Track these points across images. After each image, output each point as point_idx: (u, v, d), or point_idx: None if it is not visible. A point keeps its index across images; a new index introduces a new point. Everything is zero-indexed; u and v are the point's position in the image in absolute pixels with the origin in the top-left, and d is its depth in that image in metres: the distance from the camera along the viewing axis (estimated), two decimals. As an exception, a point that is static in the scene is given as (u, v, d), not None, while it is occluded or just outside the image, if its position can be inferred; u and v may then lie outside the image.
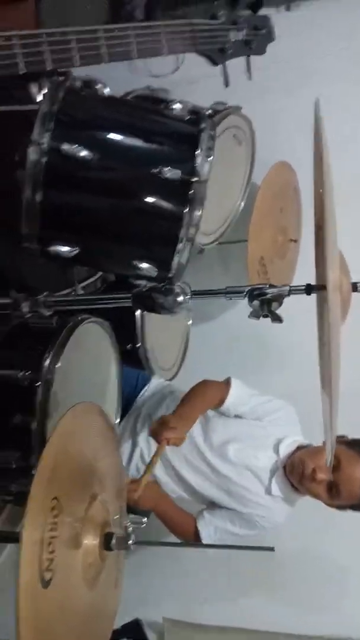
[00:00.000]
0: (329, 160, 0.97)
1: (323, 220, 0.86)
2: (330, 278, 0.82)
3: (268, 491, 1.51)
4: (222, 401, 1.53)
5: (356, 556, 1.93)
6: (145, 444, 1.57)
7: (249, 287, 0.95)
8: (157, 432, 1.38)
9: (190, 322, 2.03)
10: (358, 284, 1.04)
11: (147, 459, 1.56)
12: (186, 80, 1.95)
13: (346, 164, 1.93)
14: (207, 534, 1.53)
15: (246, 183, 1.85)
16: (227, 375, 1.61)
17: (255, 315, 0.95)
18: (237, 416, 1.56)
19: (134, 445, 1.58)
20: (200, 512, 1.57)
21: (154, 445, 1.55)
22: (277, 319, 0.93)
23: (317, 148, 0.93)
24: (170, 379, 1.92)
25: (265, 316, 0.94)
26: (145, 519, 1.05)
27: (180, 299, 0.93)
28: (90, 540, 0.98)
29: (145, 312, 1.74)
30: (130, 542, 1.00)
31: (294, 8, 1.95)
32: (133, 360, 1.74)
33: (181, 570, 1.99)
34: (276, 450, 1.53)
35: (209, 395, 1.54)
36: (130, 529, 1.02)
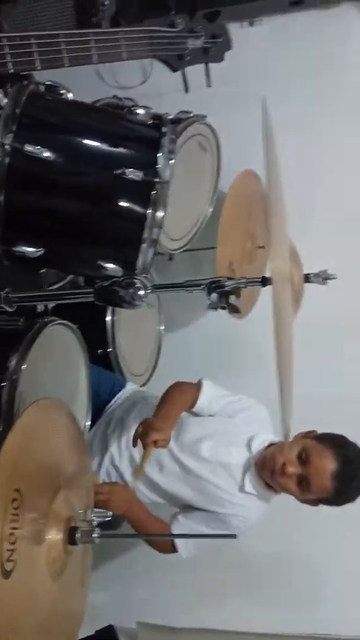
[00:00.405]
0: (276, 158, 1.02)
1: (269, 216, 0.90)
2: (274, 266, 0.86)
3: (241, 488, 1.51)
4: (194, 403, 1.55)
5: (332, 553, 1.95)
6: (116, 449, 1.57)
7: (208, 280, 0.98)
8: (144, 435, 1.37)
9: (163, 327, 2.05)
10: (311, 275, 1.08)
11: (118, 463, 1.56)
12: (154, 92, 2.01)
13: (307, 169, 2.03)
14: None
15: (213, 190, 1.90)
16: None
17: (213, 307, 0.98)
18: (209, 415, 1.58)
19: (105, 449, 1.58)
20: (174, 516, 1.57)
21: (125, 449, 1.56)
22: (234, 310, 0.96)
23: (266, 145, 0.97)
24: (142, 385, 1.93)
25: (224, 308, 0.97)
26: (110, 512, 1.05)
27: (142, 292, 0.96)
28: (54, 535, 0.98)
29: (116, 318, 1.77)
30: (95, 535, 1.01)
31: (257, 23, 2.03)
32: (105, 365, 1.76)
33: (154, 575, 1.98)
34: (249, 447, 1.54)
35: (184, 396, 1.56)
36: (95, 522, 1.02)
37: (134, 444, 1.39)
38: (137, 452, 1.52)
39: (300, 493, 1.45)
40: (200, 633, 1.92)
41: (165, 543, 1.54)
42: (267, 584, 2.01)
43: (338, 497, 1.44)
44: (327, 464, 1.41)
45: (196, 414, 1.58)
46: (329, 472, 1.40)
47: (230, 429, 1.57)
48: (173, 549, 1.53)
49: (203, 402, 1.55)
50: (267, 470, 1.47)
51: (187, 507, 1.57)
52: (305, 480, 1.42)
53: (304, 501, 1.50)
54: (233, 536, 0.97)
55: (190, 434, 1.54)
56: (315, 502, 1.49)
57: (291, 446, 1.46)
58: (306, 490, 1.43)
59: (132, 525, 1.52)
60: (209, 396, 1.56)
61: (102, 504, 1.39)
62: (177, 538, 1.43)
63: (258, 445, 1.54)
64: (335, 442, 1.45)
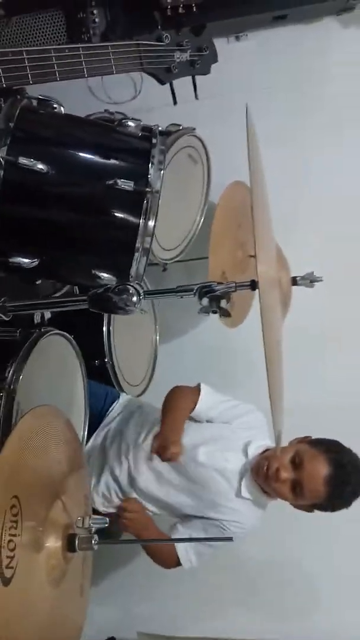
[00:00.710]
0: (260, 165, 1.04)
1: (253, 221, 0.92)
2: (259, 271, 0.88)
3: (238, 494, 1.51)
4: (193, 408, 1.56)
5: (325, 561, 1.96)
6: (116, 461, 1.58)
7: (199, 285, 1.00)
8: (163, 451, 1.40)
9: (157, 336, 2.07)
10: (298, 278, 1.10)
11: (117, 475, 1.57)
12: (144, 107, 2.05)
13: (293, 181, 2.07)
14: (183, 548, 1.52)
15: (204, 201, 1.93)
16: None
17: (205, 311, 1.00)
18: (207, 420, 1.58)
19: (104, 461, 1.58)
20: (174, 525, 1.57)
21: (124, 461, 1.56)
22: (225, 314, 0.98)
23: (251, 156, 1.00)
24: (139, 395, 1.94)
25: (215, 312, 0.99)
26: (108, 519, 1.05)
27: (135, 298, 0.97)
28: (53, 542, 0.99)
29: (112, 328, 1.78)
30: (93, 542, 1.01)
31: (243, 38, 2.08)
32: (101, 376, 1.76)
33: (153, 586, 1.97)
34: (245, 452, 1.55)
35: (185, 401, 1.56)
36: (94, 529, 1.03)
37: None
38: (133, 464, 1.54)
39: (294, 498, 1.46)
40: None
41: (169, 557, 1.53)
42: (265, 593, 2.01)
43: (331, 502, 1.44)
44: (320, 469, 1.41)
45: (193, 419, 1.58)
46: (321, 477, 1.41)
47: (226, 434, 1.58)
48: (177, 562, 1.53)
49: (201, 407, 1.56)
50: (261, 475, 1.48)
51: (185, 517, 1.57)
52: (299, 485, 1.43)
53: (298, 507, 1.50)
54: (230, 539, 0.98)
55: (187, 439, 1.54)
56: (309, 508, 1.49)
57: (285, 451, 1.47)
58: (300, 495, 1.44)
59: (145, 547, 1.53)
60: (207, 402, 1.57)
61: (124, 524, 1.44)
62: (175, 542, 1.43)
63: (254, 450, 1.55)
64: (329, 448, 1.46)
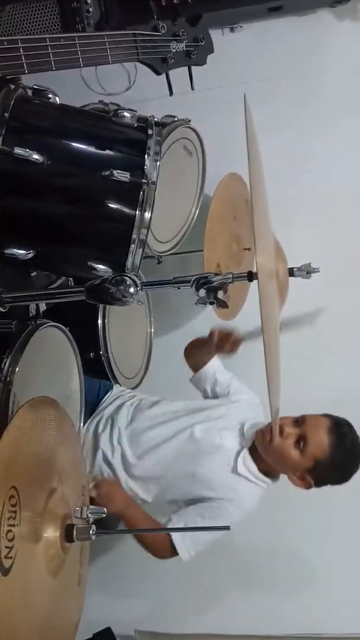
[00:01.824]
0: (259, 156, 1.04)
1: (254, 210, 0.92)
2: (258, 262, 0.88)
3: (234, 470, 1.53)
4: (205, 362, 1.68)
5: (321, 553, 1.97)
6: (108, 446, 1.59)
7: (195, 277, 1.00)
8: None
9: (152, 329, 2.07)
10: (295, 269, 1.11)
11: (110, 459, 1.58)
12: (138, 99, 2.05)
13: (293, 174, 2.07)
14: (180, 539, 1.49)
15: (199, 192, 1.93)
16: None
17: (202, 302, 1.00)
18: (205, 396, 1.68)
19: (96, 448, 1.60)
20: (168, 519, 1.55)
21: (116, 445, 1.58)
22: (222, 305, 0.98)
23: (250, 146, 1.00)
24: (134, 387, 1.94)
25: (212, 303, 0.99)
26: (105, 509, 1.06)
27: (132, 289, 0.97)
28: (51, 532, 0.99)
29: (107, 321, 1.78)
30: (91, 532, 1.01)
31: (237, 30, 2.08)
32: (97, 368, 1.76)
33: (150, 581, 1.98)
34: (241, 432, 1.58)
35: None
36: (91, 520, 1.03)
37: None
38: (129, 448, 1.56)
39: (299, 455, 1.47)
40: (198, 637, 1.92)
41: (163, 545, 1.51)
42: (264, 589, 2.02)
43: (333, 456, 1.46)
44: (322, 421, 1.50)
45: (199, 379, 1.69)
46: (324, 426, 1.48)
47: (224, 412, 1.62)
48: (172, 552, 1.51)
49: (209, 368, 1.68)
50: (264, 440, 1.50)
51: (179, 505, 1.56)
52: (303, 438, 1.47)
53: (298, 480, 1.51)
54: (227, 528, 0.99)
55: (185, 416, 1.58)
56: (308, 476, 1.49)
57: (283, 419, 1.50)
58: (303, 451, 1.47)
59: (129, 525, 1.51)
60: (216, 365, 1.69)
61: (100, 499, 1.42)
62: (172, 532, 1.44)
63: (251, 428, 1.58)
64: (325, 414, 1.54)
